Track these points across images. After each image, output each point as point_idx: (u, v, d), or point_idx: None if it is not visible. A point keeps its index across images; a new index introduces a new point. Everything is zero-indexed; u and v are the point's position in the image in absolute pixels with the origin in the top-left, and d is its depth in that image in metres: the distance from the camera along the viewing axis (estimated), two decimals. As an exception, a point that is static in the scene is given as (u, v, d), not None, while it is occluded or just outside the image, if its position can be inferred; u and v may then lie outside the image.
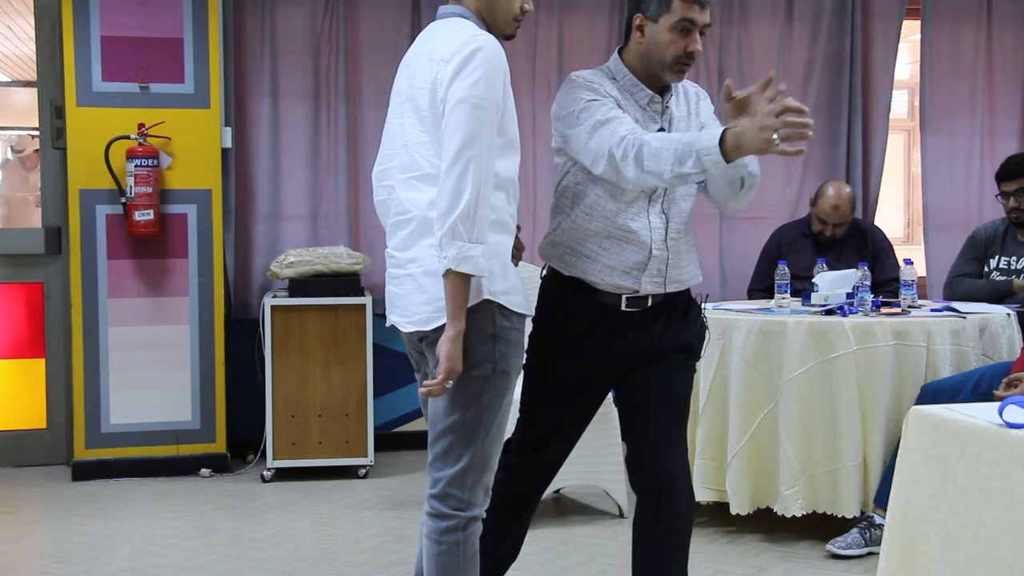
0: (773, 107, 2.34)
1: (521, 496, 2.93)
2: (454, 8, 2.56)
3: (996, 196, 4.82)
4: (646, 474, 2.78)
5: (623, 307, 2.76)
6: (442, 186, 2.36)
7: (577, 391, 2.85)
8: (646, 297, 2.78)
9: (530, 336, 2.76)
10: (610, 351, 2.78)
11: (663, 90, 2.79)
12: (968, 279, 4.78)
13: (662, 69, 2.72)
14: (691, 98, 2.90)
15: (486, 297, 2.43)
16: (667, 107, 2.80)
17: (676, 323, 2.83)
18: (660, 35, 2.67)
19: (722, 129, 2.43)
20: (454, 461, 2.48)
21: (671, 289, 2.81)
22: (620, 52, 2.80)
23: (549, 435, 2.89)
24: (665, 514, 2.78)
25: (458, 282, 2.36)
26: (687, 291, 2.89)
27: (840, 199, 4.98)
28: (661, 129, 2.76)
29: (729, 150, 2.40)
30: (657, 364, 2.78)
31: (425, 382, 2.42)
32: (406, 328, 2.54)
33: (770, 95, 2.38)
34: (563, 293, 2.81)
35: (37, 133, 6.98)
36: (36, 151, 7.24)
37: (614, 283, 2.74)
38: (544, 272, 2.89)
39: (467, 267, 2.34)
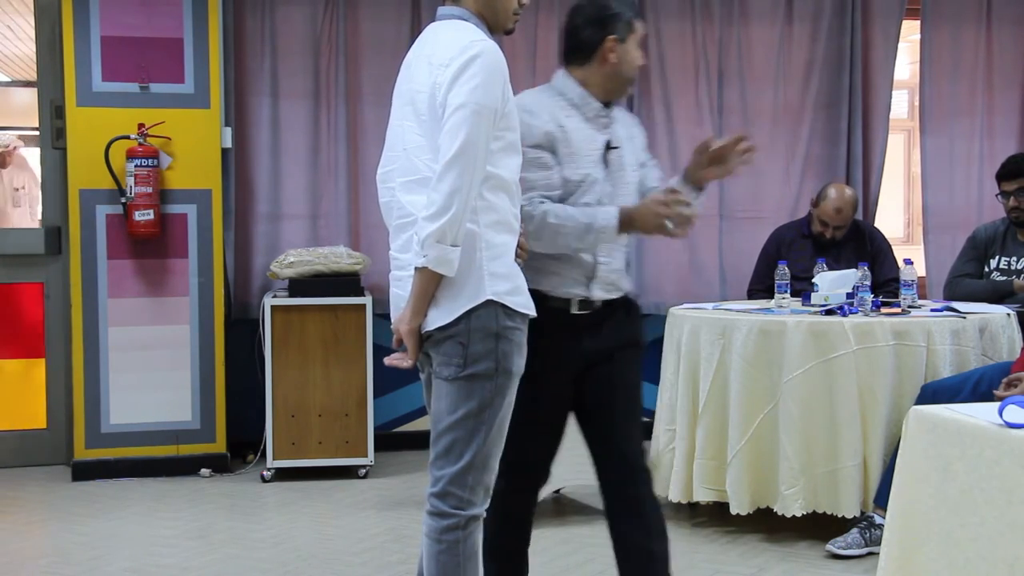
0: (664, 199, 2.80)
1: (518, 515, 3.01)
2: (453, 10, 2.56)
3: (996, 195, 4.82)
4: (616, 465, 2.90)
5: (574, 311, 2.86)
6: (436, 187, 2.37)
7: (547, 400, 2.89)
8: (595, 301, 2.89)
9: None
10: (567, 353, 2.86)
11: (606, 105, 2.93)
12: (968, 279, 4.78)
13: (629, 83, 2.96)
14: (629, 123, 3.08)
15: (490, 297, 2.44)
16: (611, 120, 2.94)
17: (622, 319, 2.96)
18: (631, 52, 2.91)
19: (617, 209, 2.79)
20: (455, 459, 2.48)
21: (614, 296, 2.94)
22: (570, 71, 2.91)
23: (531, 452, 2.94)
24: (645, 500, 2.89)
25: (430, 280, 2.40)
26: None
27: (843, 202, 4.98)
28: (608, 141, 2.89)
29: (622, 228, 2.79)
30: (612, 361, 2.90)
31: (393, 356, 2.50)
32: None
33: (741, 149, 2.99)
34: None
35: (17, 132, 6.90)
36: (13, 148, 7.18)
37: (566, 291, 2.85)
38: None
39: (444, 269, 2.38)
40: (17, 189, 7.17)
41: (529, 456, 2.94)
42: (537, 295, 2.74)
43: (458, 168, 2.36)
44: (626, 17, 2.87)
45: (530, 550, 3.98)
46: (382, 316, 5.10)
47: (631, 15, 2.89)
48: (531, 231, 2.74)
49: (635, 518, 2.89)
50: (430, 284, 2.41)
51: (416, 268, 2.41)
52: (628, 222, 2.78)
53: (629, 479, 2.90)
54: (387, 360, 2.53)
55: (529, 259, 2.77)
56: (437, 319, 2.45)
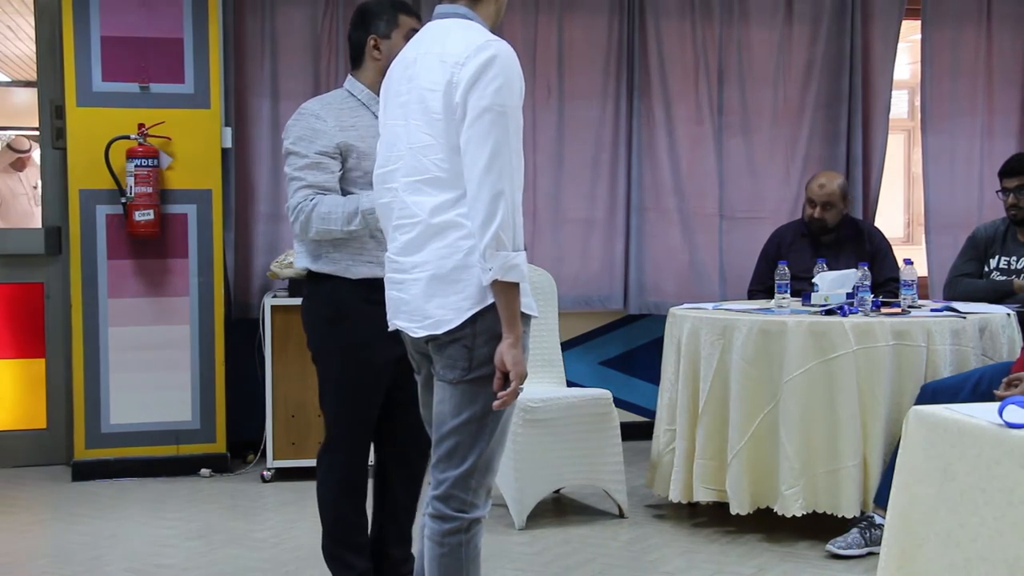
0: None
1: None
2: (456, 8, 2.54)
3: (997, 192, 4.82)
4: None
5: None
6: (477, 197, 2.35)
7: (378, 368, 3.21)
8: None
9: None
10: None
11: None
12: (968, 279, 4.78)
13: None
14: None
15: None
16: None
17: None
18: (397, 45, 3.06)
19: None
20: (459, 462, 2.47)
21: None
22: (354, 74, 3.24)
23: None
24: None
25: (508, 291, 2.37)
26: None
27: (826, 178, 5.01)
28: None
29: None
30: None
31: (501, 394, 2.40)
32: (416, 333, 2.51)
33: None
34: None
35: (17, 132, 6.89)
36: (29, 152, 7.22)
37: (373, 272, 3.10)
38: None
39: (513, 276, 2.35)
40: (35, 187, 7.23)
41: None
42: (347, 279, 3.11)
43: (495, 173, 2.34)
44: (387, 15, 3.13)
45: (530, 550, 4.00)
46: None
47: (394, 11, 3.13)
48: (301, 221, 3.09)
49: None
50: (509, 296, 2.37)
51: (490, 287, 2.37)
52: None
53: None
54: (496, 404, 2.41)
55: (330, 249, 3.12)
56: (447, 323, 2.43)
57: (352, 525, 3.25)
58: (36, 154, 7.26)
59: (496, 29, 2.58)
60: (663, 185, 5.74)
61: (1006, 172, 4.71)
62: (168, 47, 5.08)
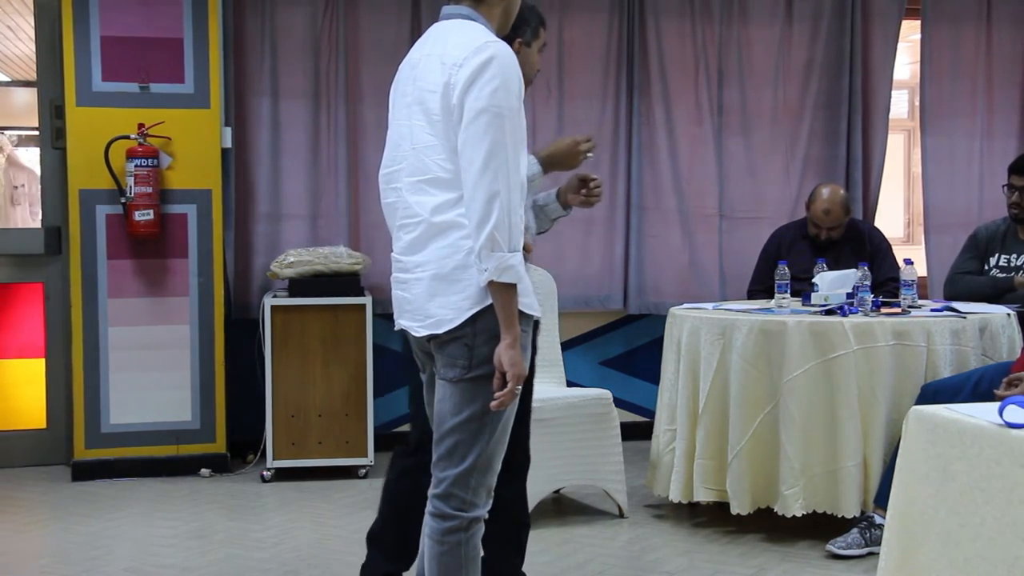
0: (577, 138, 3.31)
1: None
2: (460, 9, 2.55)
3: (1003, 186, 4.82)
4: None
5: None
6: (473, 197, 2.36)
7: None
8: None
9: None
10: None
11: None
12: (969, 276, 4.78)
13: (527, 84, 3.20)
14: None
15: None
16: None
17: None
18: (533, 56, 3.18)
19: (533, 157, 3.19)
20: (458, 461, 2.48)
21: None
22: None
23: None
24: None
25: (504, 291, 2.37)
26: None
27: (831, 203, 4.97)
28: None
29: (546, 169, 3.26)
30: None
31: (497, 394, 2.40)
32: (419, 333, 2.52)
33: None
34: None
35: (17, 132, 6.89)
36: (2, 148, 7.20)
37: None
38: None
39: (508, 277, 2.36)
40: (16, 187, 7.19)
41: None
42: None
43: (490, 174, 2.35)
44: (533, 24, 3.12)
45: (530, 550, 3.99)
46: (382, 316, 5.10)
47: (537, 23, 3.14)
48: None
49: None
50: (506, 296, 2.37)
51: (486, 287, 2.38)
52: (549, 163, 3.25)
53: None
54: (493, 405, 2.41)
55: None
56: (447, 323, 2.44)
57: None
58: (23, 153, 7.25)
59: None
60: (663, 185, 5.74)
61: (1016, 168, 4.71)
62: (168, 47, 5.08)
